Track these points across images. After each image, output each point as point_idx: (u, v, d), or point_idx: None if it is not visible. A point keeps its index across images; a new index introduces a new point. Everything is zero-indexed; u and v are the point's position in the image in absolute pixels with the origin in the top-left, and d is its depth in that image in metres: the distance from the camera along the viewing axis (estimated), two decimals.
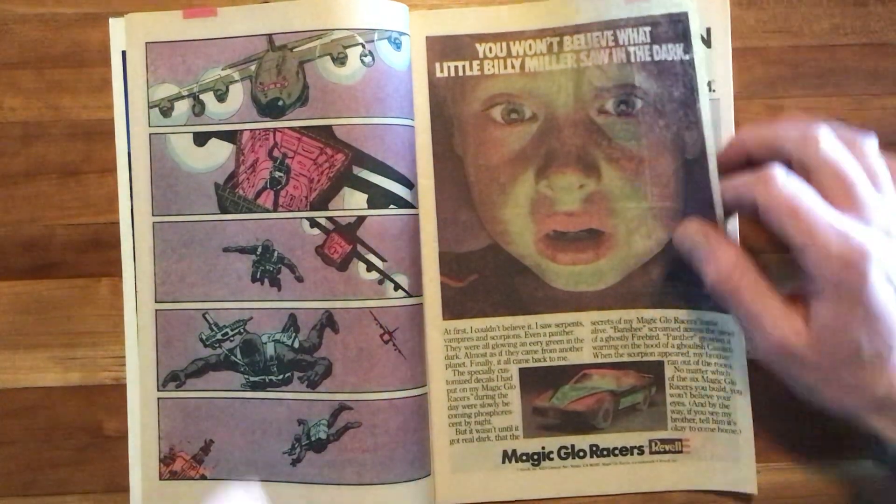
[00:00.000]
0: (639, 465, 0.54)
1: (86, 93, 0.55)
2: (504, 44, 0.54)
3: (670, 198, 0.52)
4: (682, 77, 0.51)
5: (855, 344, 0.45)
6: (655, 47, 0.52)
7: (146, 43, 0.54)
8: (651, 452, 0.54)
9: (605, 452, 0.54)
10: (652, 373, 0.54)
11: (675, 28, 0.51)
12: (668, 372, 0.53)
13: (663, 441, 0.54)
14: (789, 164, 0.48)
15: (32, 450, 0.53)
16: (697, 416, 0.53)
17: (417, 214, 0.54)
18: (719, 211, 0.50)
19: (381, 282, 0.52)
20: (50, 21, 0.55)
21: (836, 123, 0.49)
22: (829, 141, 0.47)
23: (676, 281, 0.53)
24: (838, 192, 0.46)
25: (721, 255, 0.48)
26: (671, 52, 0.51)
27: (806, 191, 0.46)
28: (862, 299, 0.44)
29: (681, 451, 0.54)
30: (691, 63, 0.51)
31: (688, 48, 0.51)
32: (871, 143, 0.48)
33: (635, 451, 0.54)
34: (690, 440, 0.53)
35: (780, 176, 0.46)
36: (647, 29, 0.52)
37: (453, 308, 0.54)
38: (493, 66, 0.54)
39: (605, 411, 0.54)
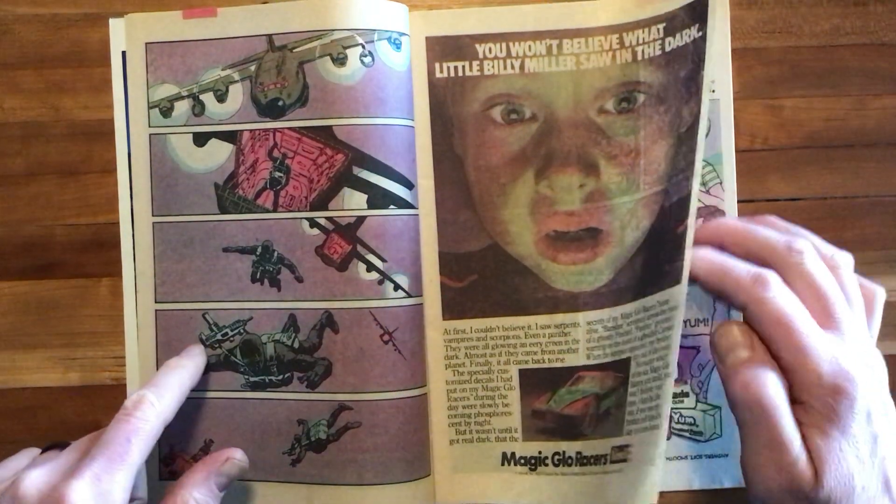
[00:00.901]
0: (602, 476, 0.52)
1: (86, 93, 0.55)
2: (504, 44, 0.54)
3: (659, 182, 0.52)
4: (692, 54, 0.50)
5: (851, 479, 0.43)
6: (668, 39, 0.52)
7: (146, 43, 0.54)
8: (611, 462, 0.52)
9: (587, 461, 0.53)
10: (622, 372, 0.52)
11: (693, 12, 0.51)
12: (632, 368, 0.51)
13: (618, 448, 0.51)
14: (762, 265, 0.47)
15: None
16: (640, 414, 0.50)
17: (416, 215, 0.54)
18: (697, 169, 0.48)
19: (380, 282, 0.52)
20: (50, 21, 0.55)
21: (815, 236, 0.48)
22: (812, 256, 0.46)
23: (650, 267, 0.51)
24: (818, 309, 0.45)
25: (769, 366, 0.45)
26: (685, 37, 0.51)
27: (799, 306, 0.45)
28: (850, 428, 0.43)
29: (625, 461, 0.51)
30: (703, 38, 0.50)
31: (703, 26, 0.50)
32: (847, 261, 0.48)
33: (602, 459, 0.52)
34: (632, 446, 0.50)
35: (776, 285, 0.45)
36: (662, 25, 0.52)
37: (453, 308, 0.54)
38: (493, 67, 0.54)
39: (591, 416, 0.53)
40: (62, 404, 0.55)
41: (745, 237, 0.48)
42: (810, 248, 0.46)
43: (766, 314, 0.45)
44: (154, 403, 0.46)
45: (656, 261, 0.51)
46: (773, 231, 0.48)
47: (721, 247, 0.49)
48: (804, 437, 0.44)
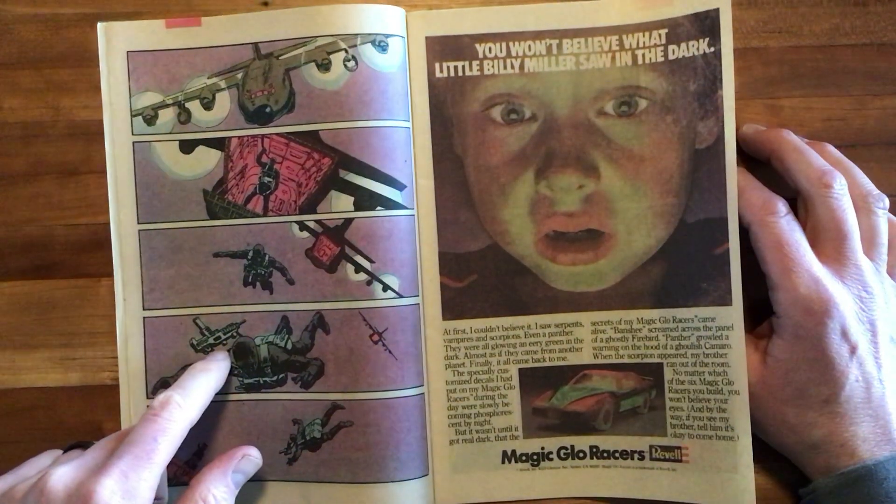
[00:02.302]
0: (639, 471, 0.54)
1: (86, 93, 0.55)
2: (503, 44, 0.54)
3: (672, 193, 0.52)
4: (704, 69, 0.52)
5: (802, 385, 0.49)
6: (672, 47, 0.52)
7: (127, 52, 0.54)
8: (651, 458, 0.53)
9: (605, 454, 0.54)
10: (652, 375, 0.53)
11: (701, 25, 0.52)
12: (668, 375, 0.53)
13: (663, 448, 0.53)
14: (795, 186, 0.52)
15: (32, 450, 0.53)
16: (696, 422, 0.53)
17: (410, 216, 0.54)
18: (731, 193, 0.51)
19: (369, 283, 0.52)
20: (50, 21, 0.55)
21: (860, 173, 0.52)
22: (839, 193, 0.50)
23: (676, 278, 0.53)
24: (828, 242, 0.50)
25: None
26: (691, 49, 0.52)
27: (799, 233, 0.50)
28: (816, 345, 0.49)
29: (680, 461, 0.53)
30: (717, 54, 0.52)
31: (714, 41, 0.51)
32: (881, 203, 0.51)
33: (636, 455, 0.54)
34: (689, 449, 0.53)
35: (782, 212, 0.50)
36: (664, 31, 0.52)
37: (453, 308, 0.54)
38: (493, 67, 0.54)
39: (606, 413, 0.54)
40: (62, 404, 0.55)
41: (790, 156, 0.52)
42: (841, 185, 0.50)
43: (766, 236, 0.50)
44: (180, 405, 0.46)
45: (687, 275, 0.53)
46: (817, 159, 0.51)
47: (769, 157, 0.53)
48: (770, 344, 0.51)
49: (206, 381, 0.50)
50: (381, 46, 0.53)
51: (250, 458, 0.50)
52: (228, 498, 0.48)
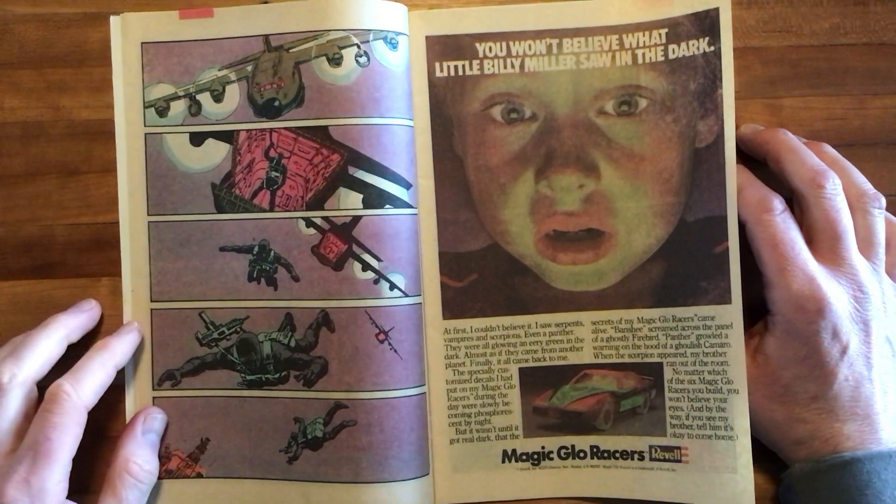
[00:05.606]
0: (639, 472, 0.54)
1: (86, 93, 0.55)
2: (504, 43, 0.54)
3: (672, 192, 0.53)
4: (704, 68, 0.52)
5: (790, 381, 0.50)
6: (672, 46, 0.52)
7: (142, 43, 0.54)
8: (651, 459, 0.53)
9: (605, 454, 0.54)
10: (652, 375, 0.53)
11: (701, 24, 0.52)
12: (667, 374, 0.53)
13: (663, 448, 0.53)
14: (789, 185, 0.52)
15: None
16: (695, 421, 0.52)
17: (414, 214, 0.54)
18: (731, 191, 0.51)
19: (376, 281, 0.52)
20: (50, 21, 0.55)
21: (856, 172, 0.52)
22: (832, 193, 0.50)
23: (676, 277, 0.53)
24: (823, 242, 0.50)
25: None
26: (692, 48, 0.52)
27: (794, 231, 0.50)
28: (807, 343, 0.50)
29: (679, 461, 0.53)
30: (717, 53, 0.52)
31: (714, 40, 0.52)
32: (877, 203, 0.51)
33: (636, 455, 0.54)
34: (689, 449, 0.53)
35: (778, 210, 0.50)
36: (664, 31, 0.52)
37: (453, 308, 0.54)
38: (493, 66, 0.54)
39: (606, 413, 0.54)
40: None
41: (785, 156, 0.52)
42: (834, 185, 0.50)
43: (761, 233, 0.50)
44: (69, 394, 0.47)
45: (687, 274, 0.53)
46: (811, 158, 0.51)
47: (766, 157, 0.53)
48: (762, 340, 0.51)
49: (101, 361, 0.50)
50: (392, 44, 0.53)
51: (154, 416, 0.52)
52: (151, 459, 0.49)
